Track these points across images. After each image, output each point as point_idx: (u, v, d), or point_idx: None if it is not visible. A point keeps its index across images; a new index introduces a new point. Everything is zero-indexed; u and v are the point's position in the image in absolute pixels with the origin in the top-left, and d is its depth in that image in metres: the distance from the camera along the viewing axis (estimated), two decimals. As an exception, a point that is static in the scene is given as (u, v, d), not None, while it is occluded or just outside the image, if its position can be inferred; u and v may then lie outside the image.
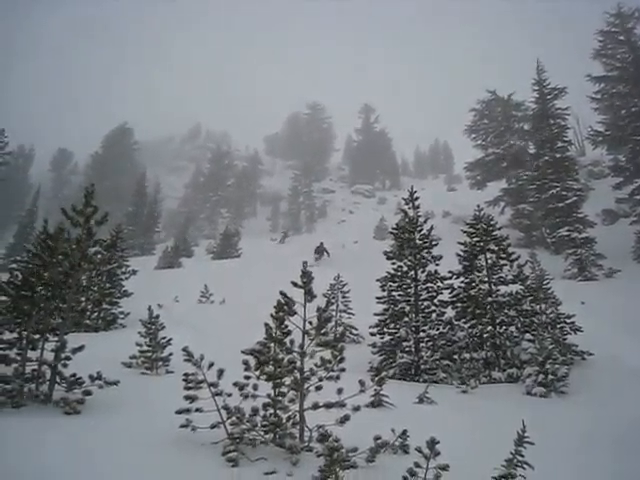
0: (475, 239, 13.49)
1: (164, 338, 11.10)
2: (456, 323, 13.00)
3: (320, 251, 33.29)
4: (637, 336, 13.34)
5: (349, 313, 15.99)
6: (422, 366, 12.08)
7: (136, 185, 59.14)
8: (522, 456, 4.25)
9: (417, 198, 13.56)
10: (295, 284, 6.13)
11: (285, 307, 6.16)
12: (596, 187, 38.97)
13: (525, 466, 4.25)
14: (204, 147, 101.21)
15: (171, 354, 10.59)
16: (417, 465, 4.53)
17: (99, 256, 15.96)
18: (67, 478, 4.81)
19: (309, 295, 6.08)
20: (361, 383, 6.30)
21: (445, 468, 4.50)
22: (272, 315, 6.34)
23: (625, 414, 8.75)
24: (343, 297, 16.19)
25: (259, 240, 48.66)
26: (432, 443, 4.44)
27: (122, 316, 16.11)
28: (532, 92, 32.82)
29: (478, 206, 14.26)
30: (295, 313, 6.16)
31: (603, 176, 41.06)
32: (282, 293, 6.20)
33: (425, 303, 12.80)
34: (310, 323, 6.11)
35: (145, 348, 10.97)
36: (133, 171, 69.77)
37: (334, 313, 15.48)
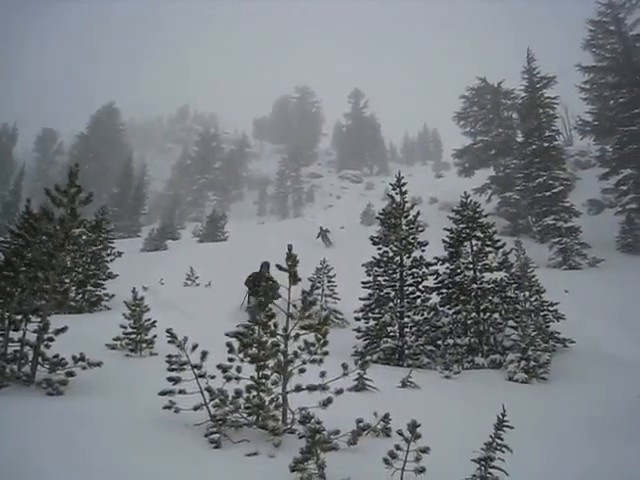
0: (461, 226, 13.55)
1: (148, 320, 11.05)
2: (441, 309, 13.10)
3: (325, 235, 33.06)
4: (618, 324, 13.57)
5: (334, 298, 16.03)
6: (406, 351, 12.17)
7: (122, 166, 58.67)
8: (501, 439, 4.30)
9: (404, 184, 13.55)
10: (280, 267, 6.12)
11: (269, 290, 6.17)
12: (582, 177, 39.20)
13: (504, 449, 4.30)
14: (192, 129, 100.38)
15: (155, 336, 10.55)
16: (398, 448, 4.57)
17: (83, 237, 15.86)
18: (48, 460, 4.79)
19: (294, 278, 6.07)
20: (344, 367, 6.33)
21: (425, 451, 4.54)
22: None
23: (603, 399, 8.91)
24: (328, 282, 16.21)
25: (246, 224, 48.48)
26: (413, 426, 4.48)
27: (107, 298, 16.02)
28: (521, 80, 32.88)
29: (465, 193, 14.30)
30: (279, 296, 6.17)
31: (590, 166, 41.30)
32: (267, 276, 6.20)
33: (410, 289, 12.88)
34: (294, 306, 6.12)
35: (129, 330, 10.92)
36: (119, 152, 69.03)
37: (319, 298, 15.51)
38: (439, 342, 12.50)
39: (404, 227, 13.17)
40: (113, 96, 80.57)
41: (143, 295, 11.63)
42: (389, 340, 12.28)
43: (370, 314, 12.81)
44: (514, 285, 13.11)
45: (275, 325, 6.24)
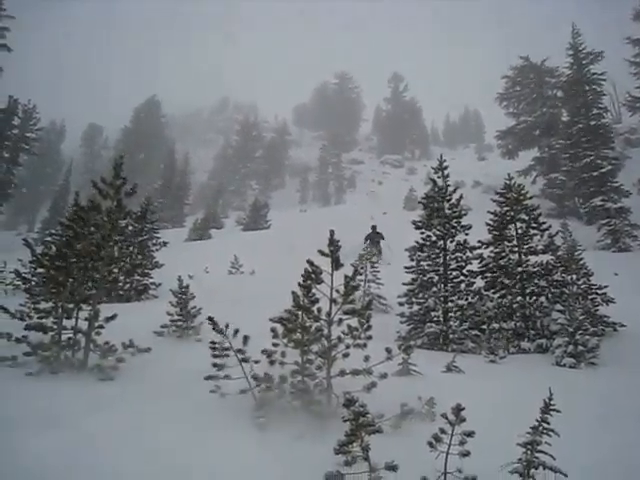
0: (505, 208, 13.29)
1: (194, 307, 11.30)
2: (485, 293, 12.89)
3: (375, 240, 22.66)
4: (671, 308, 13.10)
5: (378, 283, 15.97)
6: (450, 336, 12.06)
7: (166, 158, 59.68)
8: (548, 423, 4.24)
9: (446, 167, 13.36)
10: (322, 252, 6.15)
11: (312, 275, 6.21)
12: (633, 155, 37.85)
13: (551, 433, 4.25)
14: (232, 119, 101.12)
15: (201, 323, 10.76)
16: (442, 431, 4.56)
17: (130, 228, 16.24)
18: (103, 443, 4.98)
19: (336, 263, 6.10)
20: (388, 351, 6.34)
21: (470, 434, 4.52)
22: (299, 284, 6.39)
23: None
24: (371, 267, 16.17)
25: (288, 211, 48.74)
26: (457, 409, 4.46)
27: (154, 287, 16.40)
28: (566, 57, 31.88)
29: (509, 175, 14.00)
30: (322, 281, 6.20)
31: (640, 144, 39.94)
32: (309, 261, 6.24)
33: (454, 273, 12.72)
34: (337, 291, 6.15)
35: (176, 317, 11.20)
36: (162, 145, 70.25)
37: (362, 283, 15.48)
38: (484, 327, 12.30)
39: (447, 211, 13.00)
40: (154, 92, 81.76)
41: (188, 283, 11.87)
42: (433, 325, 12.19)
43: (414, 299, 12.73)
44: (561, 268, 12.81)
45: (319, 310, 6.30)
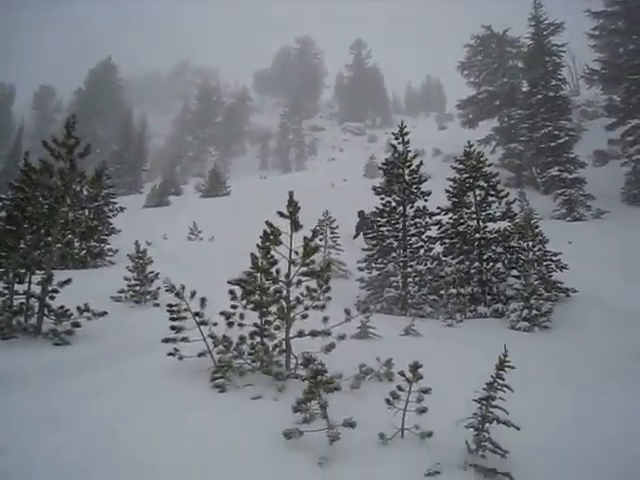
0: (465, 175, 13.40)
1: (152, 272, 11.14)
2: (444, 259, 13.06)
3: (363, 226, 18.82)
4: (622, 275, 13.52)
5: (337, 249, 16.03)
6: (409, 301, 12.22)
7: (122, 123, 58.05)
8: (503, 379, 4.33)
9: (407, 133, 13.34)
10: (281, 214, 6.08)
11: (271, 237, 6.14)
12: (589, 128, 38.53)
13: (504, 389, 4.34)
14: (191, 83, 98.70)
15: (159, 288, 10.64)
16: (400, 388, 4.62)
17: (84, 193, 15.77)
18: (60, 405, 4.88)
19: (295, 225, 6.04)
20: (346, 312, 6.35)
21: (427, 391, 4.59)
22: (258, 245, 6.33)
23: (605, 347, 8.96)
24: (332, 233, 16.18)
25: (248, 178, 48.21)
26: (414, 367, 4.51)
27: (110, 253, 16.09)
28: (528, 28, 31.95)
29: (469, 142, 14.09)
30: (281, 243, 6.14)
31: (596, 117, 40.47)
32: (268, 223, 6.16)
33: (413, 239, 12.83)
34: (296, 253, 6.10)
35: (133, 282, 11.03)
36: (119, 109, 68.04)
37: (322, 250, 15.50)
38: (442, 292, 12.49)
39: (407, 177, 13.03)
40: (109, 52, 78.44)
41: (146, 248, 11.68)
42: (392, 290, 12.32)
43: (373, 264, 12.82)
44: (517, 235, 13.05)
45: (277, 272, 6.25)
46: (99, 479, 3.90)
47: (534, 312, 10.82)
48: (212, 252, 17.53)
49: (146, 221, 23.44)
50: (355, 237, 19.04)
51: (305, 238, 6.10)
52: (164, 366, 6.03)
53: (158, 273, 10.81)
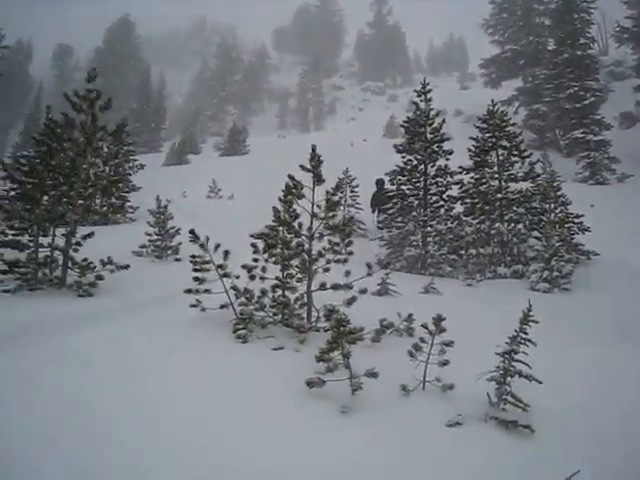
0: (487, 135, 13.18)
1: (173, 228, 11.22)
2: (464, 219, 12.95)
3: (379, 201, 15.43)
4: (644, 240, 13.33)
5: (357, 208, 15.96)
6: (429, 260, 12.18)
7: (140, 81, 57.76)
8: (526, 334, 4.32)
9: (430, 90, 13.09)
10: (303, 167, 6.04)
11: (293, 190, 6.12)
12: (616, 89, 37.47)
13: (528, 343, 4.34)
14: (210, 41, 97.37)
15: (180, 243, 10.73)
16: (422, 340, 4.64)
17: (105, 150, 15.80)
18: (89, 355, 4.98)
19: (317, 178, 6.01)
20: (368, 266, 6.35)
21: (450, 344, 4.61)
22: (280, 199, 6.32)
23: (627, 309, 8.88)
24: (351, 192, 16.10)
25: (267, 137, 47.97)
26: (438, 319, 4.53)
27: (131, 210, 16.19)
28: (556, -18, 30.88)
29: (492, 101, 13.82)
30: (303, 196, 6.12)
31: (625, 77, 39.39)
32: (290, 176, 6.13)
33: (434, 198, 12.73)
34: (319, 207, 6.09)
35: (154, 237, 11.13)
36: (137, 67, 67.54)
37: (342, 208, 15.43)
38: (462, 252, 12.45)
39: (429, 135, 12.84)
40: (126, 9, 77.63)
41: (167, 204, 11.74)
42: (412, 249, 12.28)
43: (393, 223, 12.76)
44: (539, 196, 12.88)
45: (300, 226, 6.25)
46: (122, 414, 3.99)
47: (555, 274, 10.74)
48: (232, 209, 17.60)
49: (165, 179, 23.46)
50: (373, 212, 15.81)
51: (327, 192, 6.08)
52: (187, 317, 6.12)
53: (179, 229, 10.87)
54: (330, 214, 6.06)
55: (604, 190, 21.49)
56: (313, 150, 6.04)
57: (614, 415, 4.63)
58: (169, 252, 11.07)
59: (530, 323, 4.34)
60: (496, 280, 11.58)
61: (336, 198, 6.14)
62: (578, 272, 11.29)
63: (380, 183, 15.84)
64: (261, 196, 16.31)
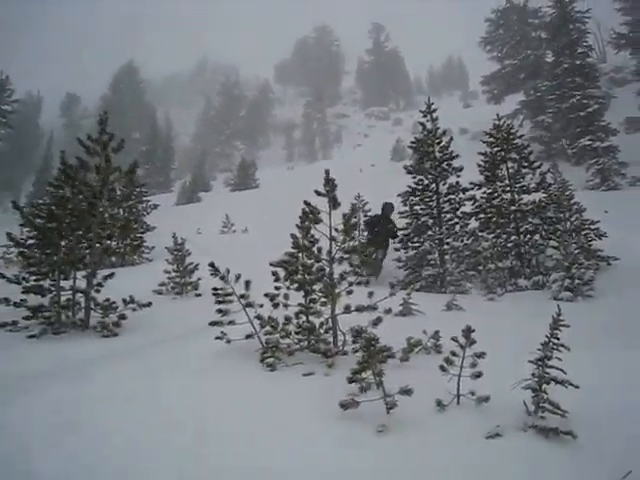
0: (495, 148, 13.22)
1: (191, 264, 11.30)
2: (480, 234, 12.91)
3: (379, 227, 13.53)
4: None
5: (371, 232, 15.95)
6: (448, 278, 12.12)
7: (148, 124, 58.81)
8: (557, 339, 4.28)
9: (435, 110, 13.20)
10: (319, 193, 6.09)
11: (310, 216, 6.16)
12: (618, 95, 37.58)
13: (561, 348, 4.29)
14: (213, 80, 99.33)
15: (199, 279, 10.79)
16: (453, 354, 4.60)
17: (118, 193, 16.00)
18: (117, 392, 4.99)
19: (333, 202, 6.05)
20: (391, 285, 6.34)
21: (481, 355, 4.57)
22: (297, 225, 6.36)
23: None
24: (365, 215, 16.13)
25: (275, 170, 48.40)
26: (467, 331, 4.49)
27: (147, 250, 16.32)
28: (549, -3, 31.25)
29: (497, 115, 13.90)
30: (321, 221, 6.16)
31: (626, 82, 39.58)
32: (306, 202, 6.18)
33: (448, 215, 12.73)
34: (336, 230, 6.11)
35: (173, 274, 11.21)
36: (143, 110, 68.92)
37: (357, 233, 15.47)
38: (480, 267, 12.38)
39: (437, 153, 12.91)
40: (129, 56, 79.63)
41: (184, 241, 11.85)
42: (430, 268, 12.25)
43: (409, 243, 12.76)
44: (553, 205, 12.83)
45: (319, 250, 6.27)
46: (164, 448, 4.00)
47: (576, 281, 10.60)
48: (246, 242, 17.70)
49: (179, 218, 23.69)
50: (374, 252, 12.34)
51: (344, 215, 6.12)
52: (213, 350, 6.11)
53: (198, 264, 10.94)
54: (349, 237, 6.09)
55: (617, 195, 21.38)
56: (327, 174, 6.09)
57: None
58: (189, 288, 11.13)
59: (561, 327, 4.29)
60: (517, 293, 11.48)
61: (353, 221, 6.17)
62: (600, 278, 11.14)
63: (389, 207, 13.95)
64: (274, 227, 16.50)
